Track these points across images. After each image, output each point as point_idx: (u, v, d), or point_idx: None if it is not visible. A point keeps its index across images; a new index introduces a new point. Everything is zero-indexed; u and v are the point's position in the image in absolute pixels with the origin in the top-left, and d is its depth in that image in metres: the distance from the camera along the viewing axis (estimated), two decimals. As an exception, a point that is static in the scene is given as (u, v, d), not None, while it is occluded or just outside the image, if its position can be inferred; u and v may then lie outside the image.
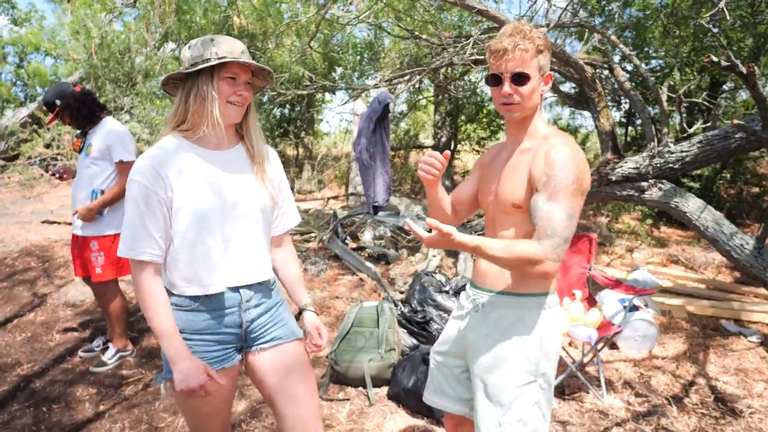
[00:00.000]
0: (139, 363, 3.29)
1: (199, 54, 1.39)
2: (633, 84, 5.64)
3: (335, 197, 8.17)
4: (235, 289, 1.48)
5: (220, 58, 1.37)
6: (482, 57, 4.85)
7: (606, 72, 6.27)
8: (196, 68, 1.37)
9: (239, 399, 2.85)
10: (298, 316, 1.72)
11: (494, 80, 1.46)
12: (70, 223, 6.53)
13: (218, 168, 1.46)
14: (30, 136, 9.10)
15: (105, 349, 3.42)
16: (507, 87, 1.42)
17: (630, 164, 3.99)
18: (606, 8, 6.51)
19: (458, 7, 4.56)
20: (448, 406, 1.68)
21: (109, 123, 3.20)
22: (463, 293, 1.71)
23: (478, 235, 1.51)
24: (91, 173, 3.14)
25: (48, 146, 9.17)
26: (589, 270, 3.21)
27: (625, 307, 3.13)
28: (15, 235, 6.15)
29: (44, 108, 3.26)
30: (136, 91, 8.40)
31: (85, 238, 3.18)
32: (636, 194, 3.98)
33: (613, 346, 3.47)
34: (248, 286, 1.51)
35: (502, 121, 8.81)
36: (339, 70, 8.32)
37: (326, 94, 8.98)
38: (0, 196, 8.11)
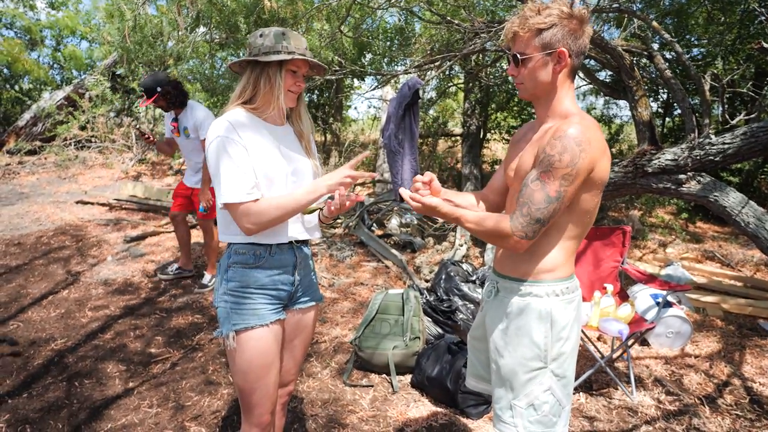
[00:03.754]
0: (167, 342, 3.36)
1: (271, 45, 1.58)
2: (673, 73, 5.42)
3: (362, 184, 8.15)
4: (291, 249, 1.68)
5: (290, 53, 1.57)
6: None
7: (644, 60, 6.04)
8: (269, 59, 1.55)
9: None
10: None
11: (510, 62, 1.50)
12: (103, 204, 6.71)
13: (277, 139, 1.66)
14: (66, 118, 9.32)
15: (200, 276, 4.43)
16: (509, 68, 1.48)
17: (668, 156, 3.84)
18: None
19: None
20: (485, 388, 1.72)
21: (194, 106, 3.86)
22: (488, 277, 1.72)
23: None
24: (192, 147, 3.96)
25: (83, 128, 9.39)
26: (622, 263, 3.12)
27: (658, 303, 3.03)
28: (51, 214, 6.33)
29: (142, 91, 3.81)
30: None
31: (194, 189, 4.07)
32: (673, 187, 3.83)
33: (644, 342, 3.37)
34: (300, 247, 1.72)
35: (533, 110, 8.59)
36: (368, 56, 8.24)
37: (355, 80, 8.92)
38: (37, 177, 8.36)
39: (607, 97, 8.41)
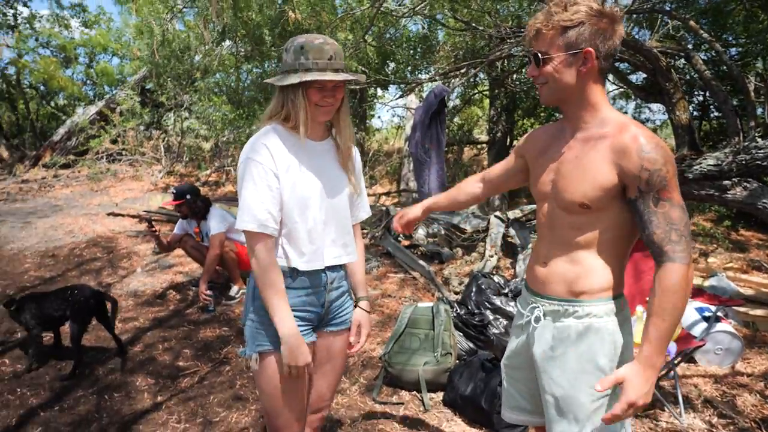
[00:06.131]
0: (195, 356, 3.33)
1: (291, 63, 1.47)
2: (710, 74, 5.21)
3: (387, 193, 8.09)
4: (323, 270, 1.59)
5: (307, 70, 1.44)
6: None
7: (679, 61, 5.83)
8: (283, 82, 1.46)
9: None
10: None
11: (530, 62, 1.38)
12: (134, 216, 6.81)
13: (315, 156, 1.57)
14: (98, 132, 9.57)
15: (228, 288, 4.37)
16: (528, 69, 1.37)
17: (710, 161, 3.65)
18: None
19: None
20: (529, 420, 1.59)
21: (212, 214, 4.13)
22: (520, 299, 1.59)
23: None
24: None
25: (114, 142, 9.62)
26: (665, 275, 2.95)
27: (707, 318, 2.86)
28: (83, 226, 6.46)
29: (173, 193, 4.08)
30: (195, 87, 8.65)
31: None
32: (716, 194, 3.63)
33: (690, 359, 3.19)
34: (333, 268, 1.63)
35: (561, 115, 8.42)
36: (391, 65, 8.22)
37: (378, 89, 8.91)
38: (70, 190, 8.57)
39: (638, 101, 8.18)
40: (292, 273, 1.55)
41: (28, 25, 11.74)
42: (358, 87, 6.18)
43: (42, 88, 12.57)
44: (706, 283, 4.19)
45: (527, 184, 1.63)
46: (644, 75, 5.56)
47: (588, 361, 1.33)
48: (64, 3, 12.00)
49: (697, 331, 2.96)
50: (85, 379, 3.04)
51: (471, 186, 1.78)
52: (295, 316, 1.55)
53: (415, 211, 1.82)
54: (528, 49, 1.37)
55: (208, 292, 3.89)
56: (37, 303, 3.13)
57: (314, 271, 1.57)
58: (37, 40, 12.04)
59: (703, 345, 2.66)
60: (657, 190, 1.22)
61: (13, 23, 11.33)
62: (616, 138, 1.28)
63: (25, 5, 11.46)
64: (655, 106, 8.34)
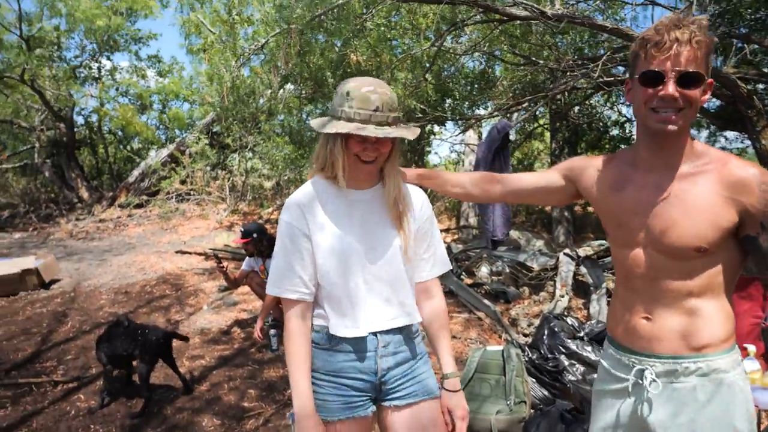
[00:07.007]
0: (260, 396, 3.32)
1: (335, 108, 1.36)
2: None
3: (446, 230, 7.99)
4: (374, 333, 1.43)
5: (349, 120, 1.31)
6: (611, 79, 4.46)
7: (757, 86, 5.48)
8: (323, 129, 1.34)
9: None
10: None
11: (652, 79, 1.13)
12: (201, 254, 7.06)
13: (357, 208, 1.45)
14: (168, 173, 10.14)
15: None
16: (671, 88, 1.11)
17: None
18: (753, 16, 5.74)
19: (585, 27, 4.26)
20: None
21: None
22: (608, 360, 1.36)
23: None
24: None
25: (183, 182, 10.15)
26: (765, 320, 2.67)
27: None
28: (154, 264, 6.75)
29: (241, 231, 4.22)
30: (259, 129, 9.04)
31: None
32: (817, 229, 3.30)
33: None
34: (388, 331, 1.44)
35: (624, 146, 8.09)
36: (448, 101, 8.27)
37: (435, 125, 8.97)
38: (143, 228, 9.06)
39: (712, 129, 7.73)
40: (330, 335, 1.42)
41: (110, 76, 12.85)
42: (418, 125, 6.21)
43: (120, 133, 13.60)
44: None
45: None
46: (718, 102, 5.25)
47: (725, 425, 1.17)
48: (141, 55, 13.11)
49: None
50: (154, 418, 3.08)
51: (488, 184, 1.56)
52: (343, 384, 1.41)
53: (411, 172, 1.61)
54: (657, 65, 1.13)
55: (273, 331, 3.90)
56: (108, 341, 3.25)
57: (356, 336, 1.41)
58: (117, 89, 13.13)
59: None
60: None
61: (97, 75, 12.44)
62: (725, 172, 1.15)
63: (108, 59, 12.60)
64: (731, 134, 7.85)
